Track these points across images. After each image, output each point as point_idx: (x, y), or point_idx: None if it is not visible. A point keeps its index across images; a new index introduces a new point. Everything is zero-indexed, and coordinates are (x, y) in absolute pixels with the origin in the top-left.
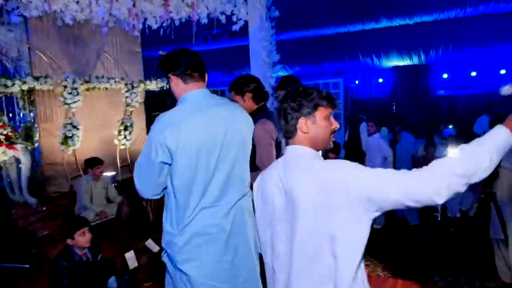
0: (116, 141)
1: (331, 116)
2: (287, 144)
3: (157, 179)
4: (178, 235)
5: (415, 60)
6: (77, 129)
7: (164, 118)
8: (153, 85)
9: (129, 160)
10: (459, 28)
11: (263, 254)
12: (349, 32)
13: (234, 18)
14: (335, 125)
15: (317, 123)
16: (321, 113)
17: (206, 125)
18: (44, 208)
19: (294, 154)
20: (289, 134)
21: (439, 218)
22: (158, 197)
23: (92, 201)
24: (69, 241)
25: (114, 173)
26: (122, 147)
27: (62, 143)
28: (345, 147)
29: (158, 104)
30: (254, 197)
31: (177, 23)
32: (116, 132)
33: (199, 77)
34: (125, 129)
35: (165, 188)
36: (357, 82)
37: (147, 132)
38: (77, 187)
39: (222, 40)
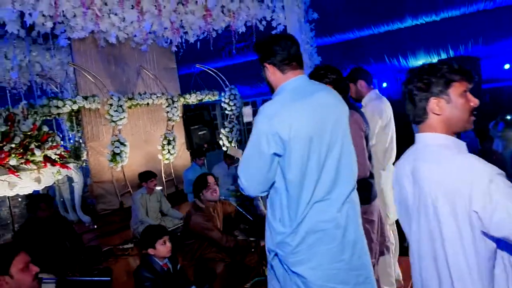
0: (160, 156)
1: (467, 92)
2: (416, 131)
3: (267, 173)
4: (291, 234)
5: (444, 57)
6: (124, 145)
7: (270, 107)
8: (193, 98)
9: (173, 175)
10: (488, 21)
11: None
12: (373, 34)
13: (274, 24)
14: (474, 101)
15: (453, 102)
16: (455, 90)
17: (314, 112)
18: (95, 226)
19: (423, 144)
20: (418, 119)
21: None
22: (265, 194)
23: (148, 215)
24: (150, 250)
25: (160, 187)
26: (166, 161)
27: (111, 160)
28: None
29: (196, 117)
30: (394, 189)
31: (214, 34)
32: (159, 147)
33: (297, 66)
34: (168, 143)
35: (272, 184)
36: (385, 84)
37: (187, 146)
38: (133, 201)
39: (247, 53)
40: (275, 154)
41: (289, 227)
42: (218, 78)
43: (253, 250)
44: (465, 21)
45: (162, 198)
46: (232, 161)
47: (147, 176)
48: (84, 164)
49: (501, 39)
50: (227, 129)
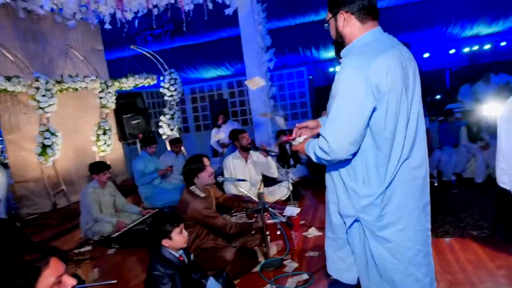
0: (94, 148)
1: None
2: None
3: (363, 130)
4: (381, 195)
5: None
6: (56, 136)
7: (360, 59)
8: (130, 83)
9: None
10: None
11: None
12: (289, 25)
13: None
14: None
15: None
16: None
17: (401, 64)
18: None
19: None
20: None
21: (435, 184)
22: (351, 157)
23: (102, 211)
24: (165, 242)
25: None
26: (102, 154)
27: (41, 154)
28: None
29: (129, 105)
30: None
31: (155, 12)
32: (93, 138)
33: (376, 17)
34: (104, 133)
35: None
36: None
37: (120, 138)
38: (83, 197)
39: (163, 41)
40: (374, 108)
41: (378, 188)
42: (156, 62)
43: (253, 232)
44: (385, 14)
45: (115, 192)
46: (179, 148)
47: (99, 168)
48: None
49: (424, 29)
50: (167, 116)
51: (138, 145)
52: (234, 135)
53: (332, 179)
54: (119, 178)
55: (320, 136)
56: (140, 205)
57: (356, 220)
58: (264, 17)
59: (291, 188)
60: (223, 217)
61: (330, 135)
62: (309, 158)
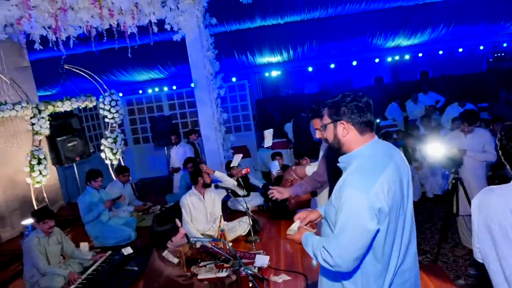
0: (28, 180)
1: None
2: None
3: (366, 248)
4: None
5: (285, 57)
6: None
7: (363, 179)
8: (66, 106)
9: (47, 200)
10: (320, 27)
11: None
12: (225, 31)
13: (168, 27)
14: None
15: None
16: None
17: (398, 176)
18: None
19: None
20: None
21: None
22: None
23: (49, 263)
24: None
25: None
26: (38, 185)
27: None
28: (295, 148)
29: (63, 127)
30: (473, 215)
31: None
32: (26, 169)
33: (372, 129)
34: (39, 163)
35: None
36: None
37: (54, 161)
38: (26, 250)
39: (90, 43)
40: (378, 229)
41: None
42: (94, 81)
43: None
44: (304, 26)
45: (63, 238)
46: (127, 178)
47: (41, 215)
48: None
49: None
50: (110, 140)
51: (75, 168)
52: (196, 174)
53: (331, 281)
54: (55, 206)
55: (324, 249)
56: (89, 244)
57: None
58: (211, 43)
59: (251, 223)
60: (198, 282)
61: (335, 251)
62: (263, 186)
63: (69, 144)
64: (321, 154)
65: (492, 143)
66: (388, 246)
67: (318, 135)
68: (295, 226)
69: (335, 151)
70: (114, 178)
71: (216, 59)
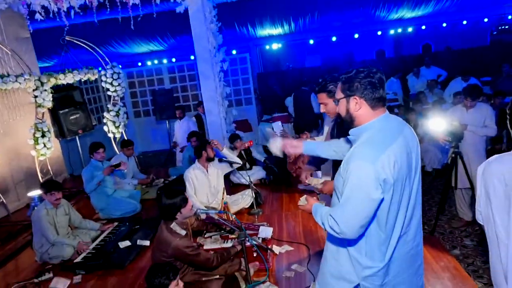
0: (33, 152)
1: None
2: None
3: (371, 216)
4: (383, 269)
5: (286, 29)
6: None
7: (369, 150)
8: (69, 79)
9: (51, 172)
10: None
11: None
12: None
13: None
14: None
15: None
16: None
17: (406, 150)
18: None
19: None
20: None
21: None
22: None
23: (58, 233)
24: None
25: (39, 191)
26: (42, 157)
27: None
28: (295, 122)
29: (65, 99)
30: (477, 179)
31: None
32: (30, 141)
33: (384, 104)
34: (43, 135)
35: None
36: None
37: (57, 134)
38: (35, 221)
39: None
40: (383, 198)
41: (380, 262)
42: (96, 54)
43: (232, 257)
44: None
45: (70, 209)
46: (131, 151)
47: (49, 187)
48: None
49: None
50: (112, 113)
51: (78, 141)
52: (200, 148)
53: (336, 248)
54: (59, 178)
55: (330, 217)
56: (94, 216)
57: (357, 286)
58: (215, 15)
59: (253, 196)
60: (205, 252)
61: (341, 219)
62: (265, 160)
63: (72, 117)
64: (325, 129)
65: (493, 117)
66: (392, 216)
67: (322, 109)
68: (304, 198)
69: (347, 125)
70: (117, 152)
71: (218, 31)
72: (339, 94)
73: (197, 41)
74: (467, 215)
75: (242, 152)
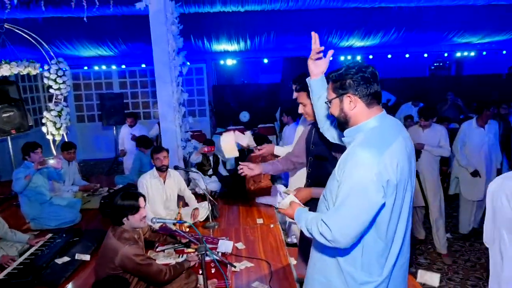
0: None
1: None
2: None
3: (367, 225)
4: (382, 283)
5: (242, 46)
6: None
7: (369, 152)
8: (5, 71)
9: None
10: (280, 18)
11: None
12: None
13: None
14: None
15: None
16: None
17: (406, 151)
18: None
19: None
20: None
21: None
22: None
23: None
24: None
25: None
26: None
27: None
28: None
29: None
30: (487, 199)
31: None
32: None
33: (379, 103)
34: None
35: None
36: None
37: None
38: None
39: (33, 9)
40: (384, 203)
41: (378, 276)
42: (39, 45)
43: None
44: (264, 16)
45: None
46: (72, 155)
47: None
48: None
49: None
50: (53, 113)
51: (10, 142)
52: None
53: (323, 259)
54: None
55: (322, 222)
56: (23, 226)
57: None
58: (176, 17)
59: (210, 208)
60: (157, 263)
61: (335, 225)
62: (225, 173)
63: (4, 115)
64: (298, 131)
65: (447, 139)
66: (393, 223)
67: (300, 110)
68: (287, 200)
69: (342, 126)
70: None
71: (179, 34)
72: (330, 95)
73: (156, 43)
74: (420, 233)
75: (210, 157)
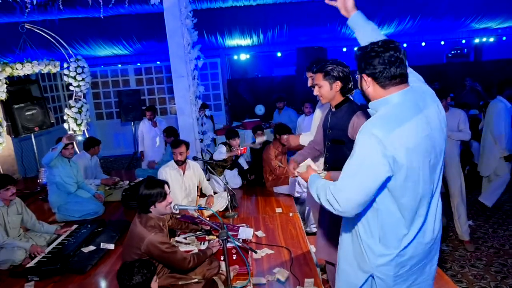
0: None
1: None
2: None
3: (373, 194)
4: (397, 257)
5: (255, 40)
6: None
7: (378, 125)
8: (27, 70)
9: (1, 169)
10: (295, 10)
11: None
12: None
13: None
14: None
15: None
16: None
17: (425, 134)
18: None
19: None
20: None
21: None
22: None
23: (8, 234)
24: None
25: None
26: None
27: None
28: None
29: (22, 93)
30: None
31: None
32: None
33: (401, 81)
34: None
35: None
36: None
37: (9, 131)
38: None
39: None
40: (389, 176)
41: (395, 249)
42: (58, 44)
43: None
44: (276, 9)
45: (23, 209)
46: (97, 150)
47: (3, 181)
48: None
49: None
50: (74, 109)
51: (33, 140)
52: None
53: (350, 234)
54: None
55: (329, 190)
56: (49, 219)
57: (371, 276)
58: (191, 11)
59: (229, 198)
60: (181, 251)
61: (340, 193)
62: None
63: (28, 113)
64: (316, 114)
65: (467, 122)
66: (408, 199)
67: (316, 91)
68: (305, 164)
69: (366, 99)
70: (78, 151)
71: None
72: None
73: (171, 37)
74: (442, 220)
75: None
